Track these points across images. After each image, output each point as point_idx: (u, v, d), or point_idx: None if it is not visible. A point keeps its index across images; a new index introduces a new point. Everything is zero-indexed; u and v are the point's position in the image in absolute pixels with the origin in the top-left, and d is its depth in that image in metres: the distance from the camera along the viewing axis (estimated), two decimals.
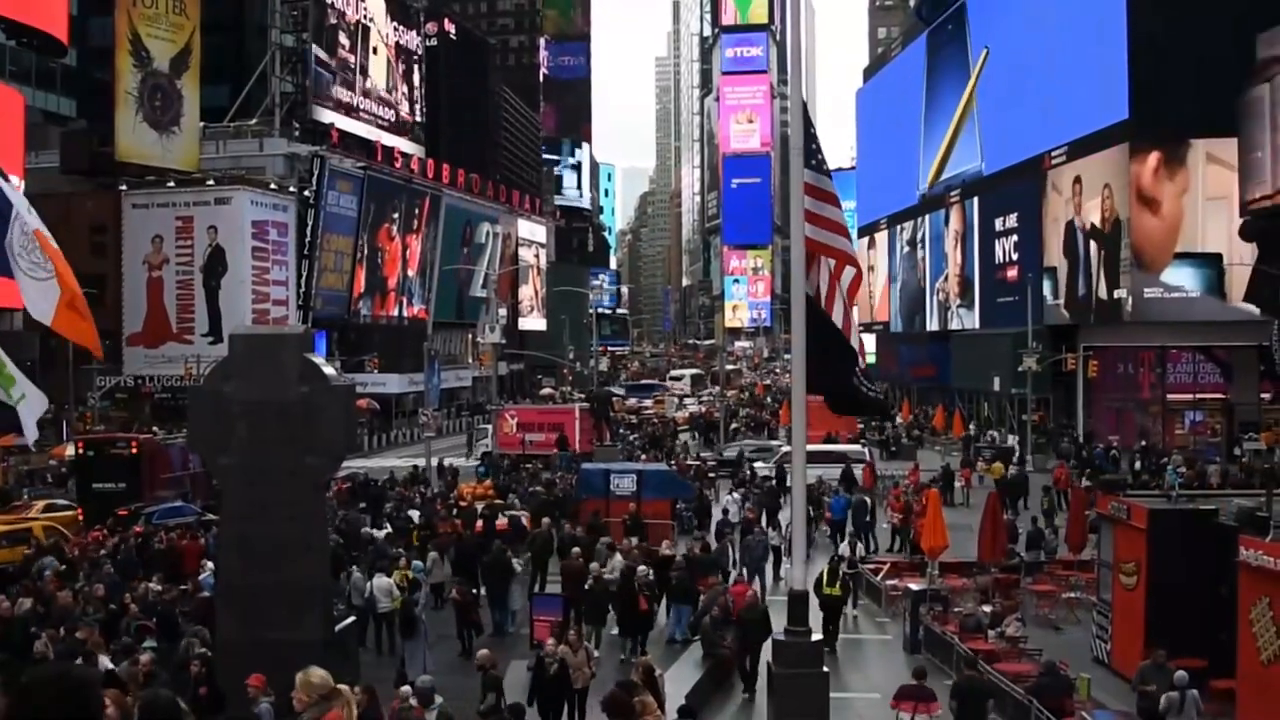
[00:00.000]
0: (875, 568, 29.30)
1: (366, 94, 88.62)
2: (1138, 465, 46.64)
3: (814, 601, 22.13)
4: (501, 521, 32.58)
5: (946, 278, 77.99)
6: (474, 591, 24.51)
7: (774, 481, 40.79)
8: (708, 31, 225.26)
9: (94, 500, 35.35)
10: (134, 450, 37.92)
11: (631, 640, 22.97)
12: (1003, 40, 67.70)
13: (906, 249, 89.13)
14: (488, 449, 54.96)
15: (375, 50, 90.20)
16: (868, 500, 36.56)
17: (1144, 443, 51.41)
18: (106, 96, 67.98)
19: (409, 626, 21.29)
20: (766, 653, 17.87)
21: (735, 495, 38.00)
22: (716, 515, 35.20)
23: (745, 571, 27.54)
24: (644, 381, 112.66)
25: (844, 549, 28.25)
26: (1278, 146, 38.44)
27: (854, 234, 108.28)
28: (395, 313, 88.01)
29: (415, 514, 33.86)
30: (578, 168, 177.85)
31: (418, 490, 40.94)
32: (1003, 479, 42.19)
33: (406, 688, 15.18)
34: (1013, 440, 57.51)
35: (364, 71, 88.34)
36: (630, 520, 31.11)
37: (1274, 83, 38.66)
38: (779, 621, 17.48)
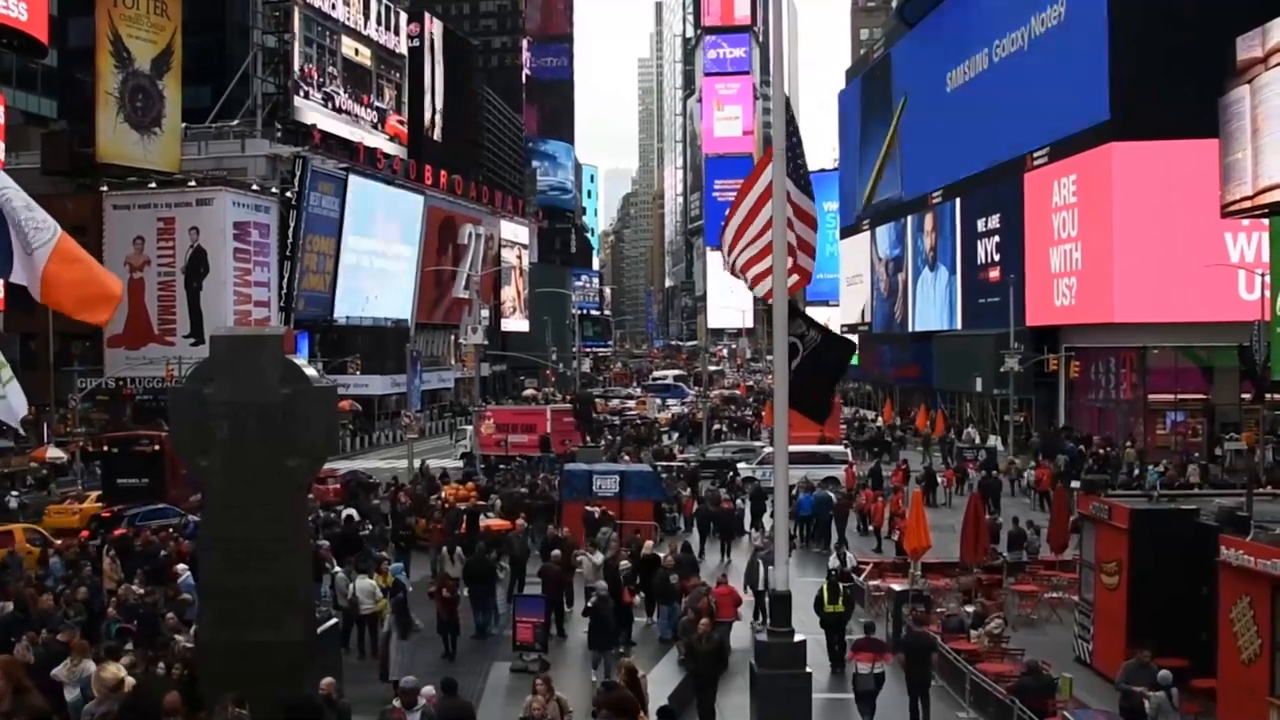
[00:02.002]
0: (856, 568, 29.29)
1: (348, 94, 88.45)
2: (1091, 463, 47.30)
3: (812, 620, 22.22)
4: (496, 522, 32.62)
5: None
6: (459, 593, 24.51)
7: (757, 482, 40.83)
8: (690, 33, 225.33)
9: (118, 495, 37.22)
10: (156, 447, 39.33)
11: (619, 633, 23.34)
12: (976, 45, 67.88)
13: (890, 250, 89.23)
14: (467, 449, 55.23)
15: (357, 50, 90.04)
16: (832, 496, 36.78)
17: (1104, 436, 52.03)
18: (87, 97, 67.67)
19: (404, 626, 21.25)
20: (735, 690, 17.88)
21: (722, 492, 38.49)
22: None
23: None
24: (660, 382, 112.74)
25: (834, 561, 27.24)
26: (1258, 148, 38.44)
27: (836, 234, 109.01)
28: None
29: (353, 511, 33.84)
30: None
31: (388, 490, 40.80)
32: (986, 479, 42.27)
33: (429, 688, 15.16)
34: (994, 440, 57.67)
35: (346, 71, 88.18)
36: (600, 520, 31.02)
37: (1254, 84, 38.69)
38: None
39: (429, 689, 15.17)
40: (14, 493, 42.54)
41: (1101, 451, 49.26)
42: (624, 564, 25.04)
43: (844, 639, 22.66)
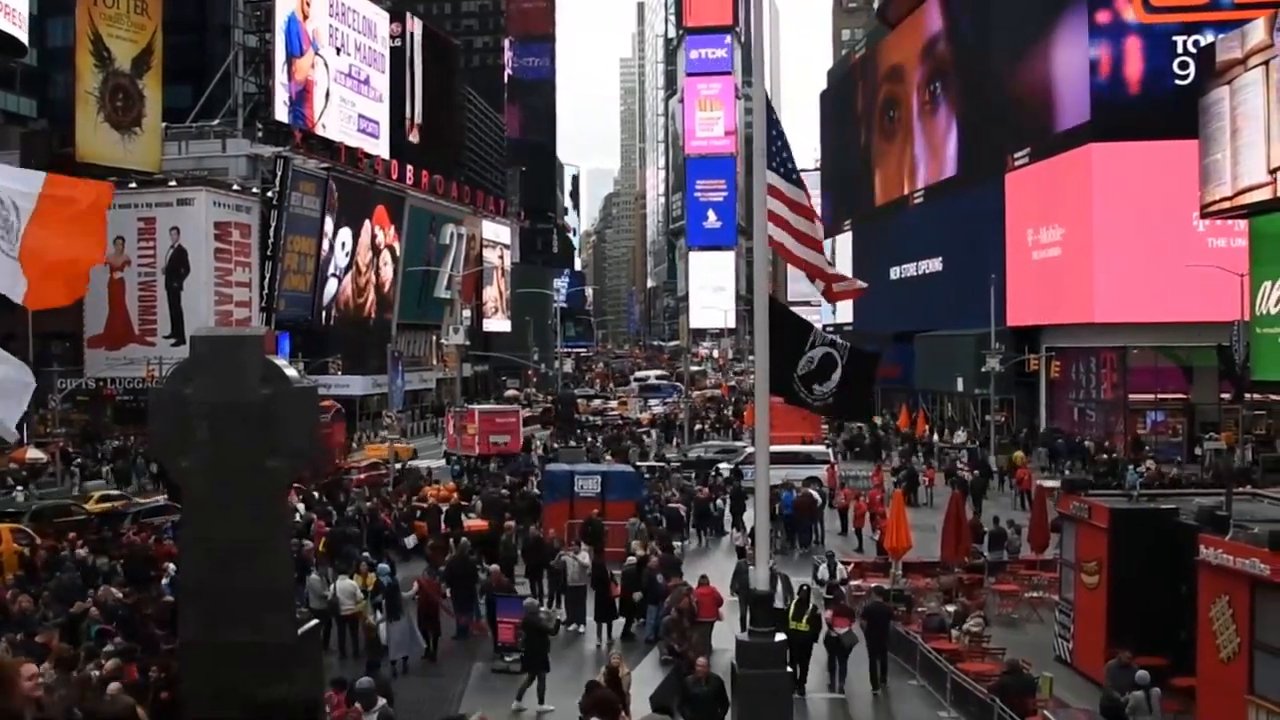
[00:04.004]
0: (845, 579, 29.23)
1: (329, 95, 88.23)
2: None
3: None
4: (474, 523, 32.62)
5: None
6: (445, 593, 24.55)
7: (739, 481, 40.91)
8: (672, 33, 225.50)
9: (176, 486, 36.72)
10: None
11: (604, 628, 24.03)
12: (965, 40, 68.11)
13: (873, 249, 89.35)
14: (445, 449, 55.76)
15: (338, 50, 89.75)
16: (813, 494, 36.90)
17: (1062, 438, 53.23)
18: (67, 97, 67.35)
19: (394, 610, 21.38)
20: None
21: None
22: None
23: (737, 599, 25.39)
24: (654, 382, 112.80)
25: (824, 571, 26.01)
26: (1237, 149, 38.69)
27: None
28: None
29: (301, 508, 33.88)
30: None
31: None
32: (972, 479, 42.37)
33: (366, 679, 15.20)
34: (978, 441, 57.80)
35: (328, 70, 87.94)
36: (590, 523, 30.98)
37: (1234, 85, 38.94)
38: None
39: (366, 680, 15.28)
40: (19, 489, 42.12)
41: (1103, 456, 49.12)
42: (629, 561, 25.34)
43: (807, 662, 21.01)
